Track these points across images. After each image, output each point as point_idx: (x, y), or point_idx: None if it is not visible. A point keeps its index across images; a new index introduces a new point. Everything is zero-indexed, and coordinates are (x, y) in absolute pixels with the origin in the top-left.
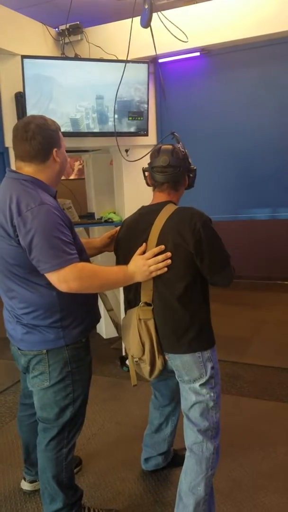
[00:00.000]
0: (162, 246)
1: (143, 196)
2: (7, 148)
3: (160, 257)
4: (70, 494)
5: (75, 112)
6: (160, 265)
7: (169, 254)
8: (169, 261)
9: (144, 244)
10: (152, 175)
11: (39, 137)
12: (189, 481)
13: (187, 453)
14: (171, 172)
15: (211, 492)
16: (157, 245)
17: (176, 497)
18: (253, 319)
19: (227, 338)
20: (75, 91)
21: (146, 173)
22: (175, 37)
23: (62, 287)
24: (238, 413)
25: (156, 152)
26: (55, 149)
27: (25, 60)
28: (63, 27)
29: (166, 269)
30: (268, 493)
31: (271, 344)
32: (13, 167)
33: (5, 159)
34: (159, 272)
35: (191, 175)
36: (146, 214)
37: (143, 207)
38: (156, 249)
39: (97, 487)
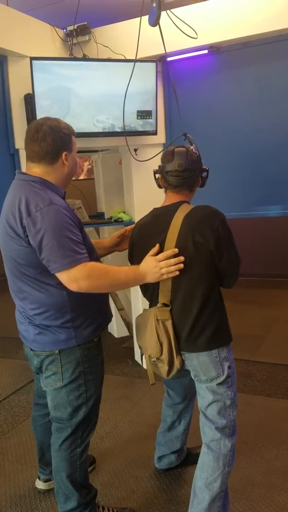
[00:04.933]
0: (176, 250)
1: (153, 195)
2: (17, 150)
3: (172, 261)
4: (84, 493)
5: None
6: (172, 268)
7: (182, 258)
8: (181, 265)
9: (157, 245)
10: (166, 179)
11: (49, 139)
12: (206, 477)
13: (204, 449)
14: (186, 176)
15: (226, 490)
16: (177, 245)
17: (191, 494)
18: (265, 317)
19: (239, 337)
20: (87, 95)
21: (157, 175)
22: (184, 33)
23: (72, 286)
24: (251, 411)
25: (170, 156)
26: (64, 153)
27: (34, 62)
28: (71, 27)
29: (177, 272)
30: (282, 491)
31: (283, 342)
32: (23, 168)
33: (16, 161)
34: (170, 275)
35: (203, 175)
36: (161, 216)
37: (155, 209)
38: (169, 252)
39: (111, 486)
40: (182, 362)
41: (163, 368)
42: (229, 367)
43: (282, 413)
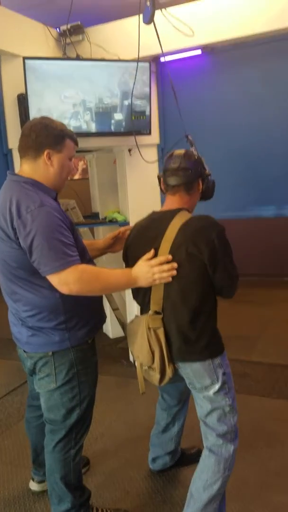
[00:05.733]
0: (170, 256)
1: (147, 195)
2: (10, 150)
3: (165, 267)
4: (78, 494)
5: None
6: (165, 274)
7: (175, 265)
8: (174, 271)
9: (152, 250)
10: (164, 179)
11: (34, 134)
12: (205, 479)
13: (206, 453)
14: (181, 174)
15: (223, 494)
16: (170, 254)
17: (187, 495)
18: (260, 317)
19: (234, 337)
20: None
21: (160, 179)
22: (179, 30)
23: (63, 289)
24: (246, 412)
25: (169, 158)
26: (47, 150)
27: (27, 61)
28: (64, 27)
29: (170, 279)
30: (276, 492)
31: (279, 342)
32: (17, 168)
33: (9, 161)
34: (163, 281)
35: (205, 180)
36: (158, 221)
37: (154, 212)
38: (163, 258)
39: (105, 487)
40: (175, 371)
41: (155, 376)
42: (224, 374)
43: (277, 413)
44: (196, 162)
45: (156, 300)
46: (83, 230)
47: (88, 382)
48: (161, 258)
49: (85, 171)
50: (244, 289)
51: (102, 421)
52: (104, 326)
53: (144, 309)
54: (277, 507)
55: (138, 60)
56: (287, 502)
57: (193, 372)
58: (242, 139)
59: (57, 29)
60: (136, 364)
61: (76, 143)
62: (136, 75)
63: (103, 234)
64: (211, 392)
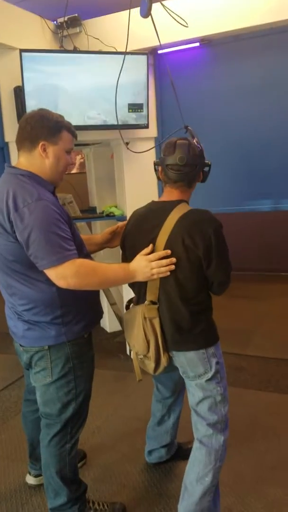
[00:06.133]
0: (169, 251)
1: (145, 189)
2: (7, 143)
3: (164, 262)
4: (74, 488)
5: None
6: (163, 269)
7: (174, 260)
8: (172, 266)
9: (151, 245)
10: (166, 172)
11: (29, 126)
12: (197, 471)
13: (196, 445)
14: (187, 171)
15: (217, 485)
16: (166, 246)
17: (182, 488)
18: (257, 311)
19: (230, 331)
20: (76, 90)
21: (158, 167)
22: (177, 21)
23: (61, 283)
24: (242, 405)
25: (171, 148)
26: (42, 142)
27: (24, 54)
28: (61, 19)
29: (168, 273)
30: (272, 485)
31: (274, 336)
32: (14, 161)
33: (5, 154)
34: (160, 276)
35: (205, 169)
36: (157, 212)
37: (153, 202)
38: (162, 253)
39: (101, 481)
40: (169, 360)
41: (150, 365)
42: (217, 363)
43: (273, 407)
44: (200, 155)
45: (152, 290)
46: (80, 225)
47: (84, 377)
48: (160, 253)
49: (82, 165)
50: (240, 284)
51: (99, 415)
52: (102, 320)
53: (140, 299)
54: (272, 500)
55: (131, 52)
56: (283, 496)
57: (187, 360)
58: (239, 132)
59: (54, 21)
60: (131, 352)
61: (74, 136)
62: (122, 66)
63: (101, 229)
64: (203, 380)
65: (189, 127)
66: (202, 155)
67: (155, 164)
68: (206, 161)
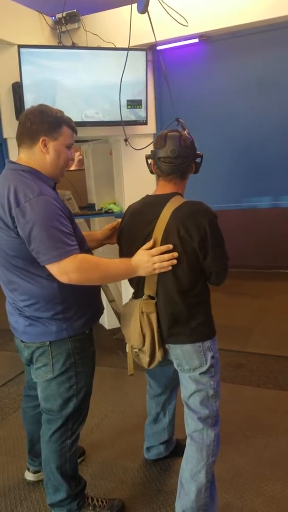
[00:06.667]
0: (170, 245)
1: (143, 185)
2: (5, 139)
3: (166, 256)
4: (74, 484)
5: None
6: (165, 263)
7: (175, 254)
8: (174, 261)
9: (152, 239)
10: (158, 165)
11: (29, 122)
12: (190, 468)
13: (188, 441)
14: (179, 163)
15: (213, 480)
16: (163, 238)
17: (178, 485)
18: (255, 309)
19: (230, 328)
20: (74, 87)
21: (150, 161)
22: (175, 19)
23: (63, 278)
24: (241, 402)
25: (162, 141)
26: (43, 138)
27: (22, 50)
28: (59, 15)
29: (170, 268)
30: (270, 481)
31: (273, 333)
32: (12, 157)
33: (4, 150)
34: (162, 270)
35: (197, 161)
36: (152, 205)
37: (148, 196)
38: (164, 247)
39: (100, 477)
40: (164, 354)
41: (145, 359)
42: (212, 357)
43: (272, 403)
44: (192, 146)
45: (150, 285)
46: (79, 221)
47: (85, 373)
48: (161, 247)
49: (81, 161)
50: (239, 281)
51: (98, 412)
52: (100, 317)
53: (138, 293)
54: (271, 497)
55: (129, 48)
56: (282, 491)
57: (183, 353)
58: (238, 129)
59: (53, 17)
60: (126, 346)
61: (74, 131)
62: (126, 62)
63: (99, 226)
64: (197, 373)
65: (180, 119)
66: (194, 147)
67: (147, 157)
68: (198, 152)
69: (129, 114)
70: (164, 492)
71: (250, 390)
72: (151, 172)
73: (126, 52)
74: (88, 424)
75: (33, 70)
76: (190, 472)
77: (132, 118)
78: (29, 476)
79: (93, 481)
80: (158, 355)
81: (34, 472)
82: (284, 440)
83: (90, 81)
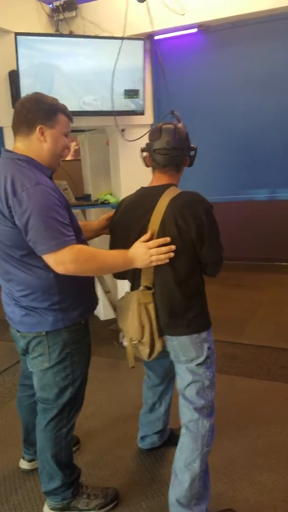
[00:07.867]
0: (168, 238)
1: (140, 176)
2: (1, 128)
3: (163, 249)
4: (68, 473)
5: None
6: (162, 256)
7: (173, 247)
8: (171, 254)
9: (149, 232)
10: (153, 157)
11: (25, 110)
12: (185, 457)
13: (183, 431)
14: (174, 155)
15: (207, 469)
16: (160, 228)
17: (172, 475)
18: (250, 300)
19: (225, 319)
20: (73, 73)
21: (144, 154)
22: (173, 9)
23: (59, 269)
24: (235, 393)
25: (157, 133)
26: (40, 126)
27: (19, 37)
28: (57, 3)
29: (167, 260)
30: (263, 471)
31: (267, 324)
32: (8, 146)
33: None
34: (159, 263)
35: (191, 154)
36: (147, 197)
37: (142, 189)
38: (161, 240)
39: (94, 466)
40: (164, 345)
41: (144, 351)
42: (208, 348)
43: (265, 394)
44: (186, 138)
45: (147, 276)
46: (75, 212)
47: (81, 362)
48: (159, 240)
49: (77, 152)
50: (235, 273)
51: (92, 401)
52: (96, 308)
53: (135, 284)
54: (264, 486)
55: (127, 37)
56: (274, 481)
57: (180, 344)
58: (236, 121)
59: (50, 4)
60: (125, 339)
61: (70, 119)
62: (118, 51)
63: (95, 216)
64: (194, 364)
65: (175, 112)
66: (188, 139)
67: (142, 150)
68: (192, 145)
69: (128, 103)
70: (157, 481)
71: (244, 381)
72: (146, 165)
73: (123, 41)
74: (83, 413)
75: (30, 53)
76: (185, 461)
77: (132, 107)
78: (24, 464)
79: (88, 470)
80: (158, 346)
81: (29, 461)
82: (277, 431)
83: (90, 67)
